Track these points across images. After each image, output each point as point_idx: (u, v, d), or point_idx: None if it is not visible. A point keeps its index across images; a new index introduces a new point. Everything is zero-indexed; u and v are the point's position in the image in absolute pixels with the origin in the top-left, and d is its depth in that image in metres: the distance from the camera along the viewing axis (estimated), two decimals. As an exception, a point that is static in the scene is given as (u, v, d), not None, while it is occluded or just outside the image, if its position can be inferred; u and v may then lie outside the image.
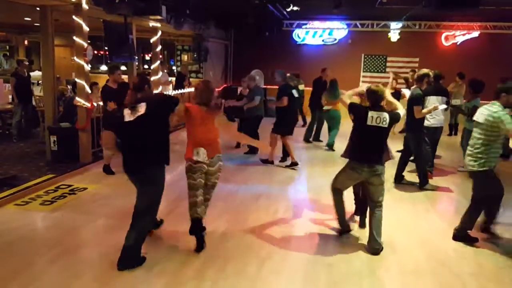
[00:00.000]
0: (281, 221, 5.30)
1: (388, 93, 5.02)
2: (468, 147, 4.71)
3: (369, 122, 4.33)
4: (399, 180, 6.93)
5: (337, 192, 4.71)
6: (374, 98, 4.43)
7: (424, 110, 6.40)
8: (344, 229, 4.86)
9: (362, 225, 5.06)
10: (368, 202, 4.59)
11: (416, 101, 6.41)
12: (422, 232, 5.04)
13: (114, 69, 6.89)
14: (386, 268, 4.17)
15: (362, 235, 4.88)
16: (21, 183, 6.28)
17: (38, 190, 6.08)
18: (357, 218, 5.21)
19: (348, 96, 4.89)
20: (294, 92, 7.76)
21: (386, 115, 4.33)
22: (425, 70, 6.76)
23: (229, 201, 5.89)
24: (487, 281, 3.98)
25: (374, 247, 4.43)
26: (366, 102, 4.63)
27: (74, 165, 7.26)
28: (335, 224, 4.97)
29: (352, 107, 4.57)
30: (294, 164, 7.76)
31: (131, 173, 4.07)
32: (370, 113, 4.34)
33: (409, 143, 6.75)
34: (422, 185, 6.69)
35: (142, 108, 3.87)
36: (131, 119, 3.85)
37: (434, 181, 6.94)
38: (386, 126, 4.33)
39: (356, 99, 4.98)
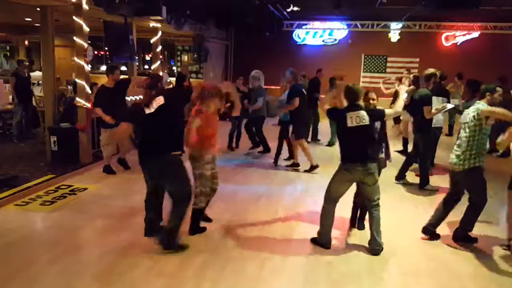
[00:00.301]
0: (281, 221, 5.30)
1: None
2: (455, 149, 4.66)
3: (349, 124, 4.32)
4: (400, 178, 6.94)
5: (330, 202, 4.58)
6: (350, 97, 4.41)
7: (434, 110, 6.36)
8: (324, 244, 4.56)
9: (361, 226, 5.03)
10: (366, 202, 4.58)
11: (425, 101, 6.34)
12: (421, 233, 5.03)
13: (114, 69, 6.90)
14: (386, 268, 4.17)
15: (362, 235, 4.88)
16: (21, 183, 6.30)
17: (38, 190, 6.09)
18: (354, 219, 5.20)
19: (329, 100, 4.89)
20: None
21: (363, 113, 4.31)
22: (432, 70, 6.66)
23: (229, 202, 5.89)
24: (486, 282, 3.97)
25: (374, 248, 4.43)
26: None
27: (74, 166, 7.27)
28: (334, 223, 4.97)
29: (329, 114, 4.60)
30: (295, 165, 7.74)
31: (145, 162, 4.32)
32: (348, 115, 4.32)
33: (417, 144, 6.73)
34: (422, 186, 6.68)
35: (160, 100, 4.16)
36: (152, 110, 4.13)
37: (433, 181, 6.92)
38: (367, 123, 4.30)
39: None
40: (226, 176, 6.98)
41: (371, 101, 4.66)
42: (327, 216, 4.58)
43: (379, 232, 4.45)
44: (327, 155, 8.92)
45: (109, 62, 15.28)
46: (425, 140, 6.57)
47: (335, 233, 4.93)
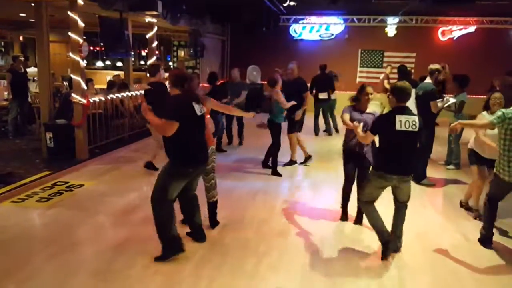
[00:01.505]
0: (278, 217, 5.30)
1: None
2: None
3: (397, 127, 3.95)
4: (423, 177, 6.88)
5: (369, 205, 4.33)
6: (398, 97, 4.06)
7: (439, 104, 6.39)
8: (386, 240, 4.23)
9: (358, 221, 5.02)
10: (394, 201, 4.37)
11: (432, 96, 6.35)
12: (419, 228, 5.05)
13: (160, 67, 6.94)
14: (383, 263, 4.17)
15: (359, 230, 4.90)
16: (17, 180, 6.26)
17: (35, 187, 6.06)
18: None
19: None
20: None
21: (415, 118, 4.00)
22: (437, 65, 6.69)
23: (226, 198, 5.87)
24: (483, 277, 3.99)
25: (398, 246, 4.37)
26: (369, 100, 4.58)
27: (71, 162, 7.24)
28: (331, 219, 4.97)
29: (376, 127, 4.19)
30: (293, 163, 7.67)
31: (200, 164, 4.23)
32: (398, 117, 3.98)
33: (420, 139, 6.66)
34: (419, 180, 6.70)
35: (206, 109, 4.29)
36: (199, 113, 4.06)
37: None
38: (417, 130, 3.98)
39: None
40: (223, 172, 6.97)
41: (369, 96, 4.66)
42: (374, 218, 4.27)
43: (402, 230, 4.39)
44: (324, 151, 8.92)
45: (104, 57, 15.24)
46: (429, 135, 6.56)
47: (331, 229, 4.94)
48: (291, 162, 7.64)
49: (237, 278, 3.83)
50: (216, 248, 4.38)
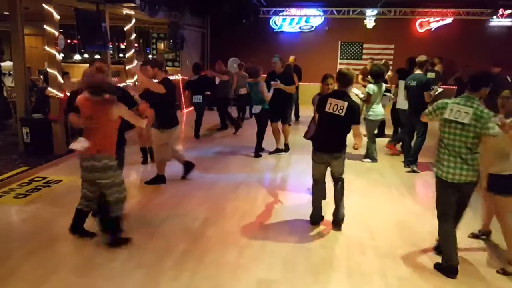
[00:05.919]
0: (260, 208, 5.32)
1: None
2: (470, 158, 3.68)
3: (327, 109, 4.41)
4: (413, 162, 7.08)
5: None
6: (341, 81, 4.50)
7: (432, 93, 6.64)
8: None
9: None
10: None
11: (427, 87, 6.65)
12: (398, 216, 5.14)
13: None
14: (363, 252, 4.24)
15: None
16: (-7, 176, 6.13)
17: (11, 183, 5.94)
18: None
19: None
20: None
21: (344, 104, 4.35)
22: (424, 57, 7.04)
23: (208, 190, 5.88)
24: (462, 263, 4.05)
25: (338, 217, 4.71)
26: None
27: (48, 157, 7.11)
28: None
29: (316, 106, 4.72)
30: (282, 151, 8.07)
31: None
32: (330, 100, 4.42)
33: (415, 125, 6.96)
34: (410, 164, 7.01)
35: None
36: None
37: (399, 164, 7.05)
38: (342, 114, 4.34)
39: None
40: (207, 165, 6.96)
41: (329, 86, 4.80)
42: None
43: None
44: (304, 143, 8.91)
45: (82, 50, 14.95)
46: (423, 123, 6.69)
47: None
48: (277, 150, 8.02)
49: (220, 270, 3.83)
50: (198, 240, 4.38)
